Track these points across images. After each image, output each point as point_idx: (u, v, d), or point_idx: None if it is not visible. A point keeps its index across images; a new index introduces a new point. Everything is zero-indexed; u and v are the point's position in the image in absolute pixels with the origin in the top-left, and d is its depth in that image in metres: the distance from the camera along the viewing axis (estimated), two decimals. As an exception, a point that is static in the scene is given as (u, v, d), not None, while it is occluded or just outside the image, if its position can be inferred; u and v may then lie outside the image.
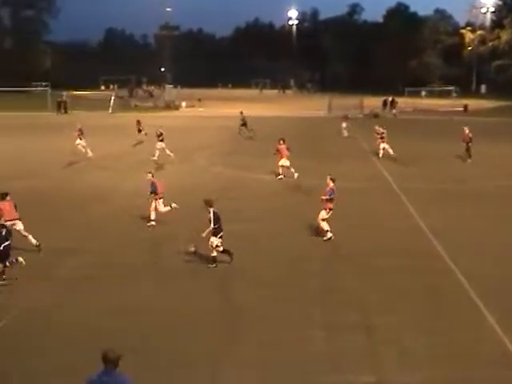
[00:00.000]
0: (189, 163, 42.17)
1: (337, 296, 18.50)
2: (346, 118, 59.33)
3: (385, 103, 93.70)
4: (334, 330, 16.12)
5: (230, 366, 14.28)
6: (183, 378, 13.80)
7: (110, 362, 9.81)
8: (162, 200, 25.65)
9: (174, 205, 25.47)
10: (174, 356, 14.61)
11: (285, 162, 35.80)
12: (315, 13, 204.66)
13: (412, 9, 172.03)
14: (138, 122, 50.45)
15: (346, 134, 57.08)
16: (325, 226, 23.94)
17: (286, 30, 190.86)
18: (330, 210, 23.88)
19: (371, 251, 22.82)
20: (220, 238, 20.47)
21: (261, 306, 17.59)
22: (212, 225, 20.21)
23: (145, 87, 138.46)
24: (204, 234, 20.48)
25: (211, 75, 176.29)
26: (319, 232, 24.24)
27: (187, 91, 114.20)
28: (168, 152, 41.41)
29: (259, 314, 17.08)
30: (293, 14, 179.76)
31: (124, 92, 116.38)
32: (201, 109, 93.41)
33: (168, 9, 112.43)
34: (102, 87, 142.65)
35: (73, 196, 31.56)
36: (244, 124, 57.05)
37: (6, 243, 18.85)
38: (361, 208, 29.57)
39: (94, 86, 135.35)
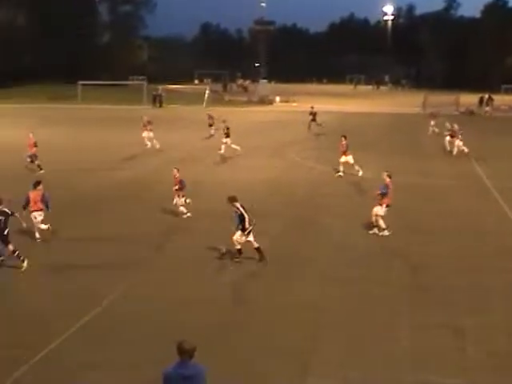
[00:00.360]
0: (281, 158, 42.40)
1: (424, 295, 18.25)
2: (434, 116, 58.22)
3: (481, 100, 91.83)
4: (421, 330, 15.87)
5: (316, 363, 14.22)
6: (263, 374, 13.79)
7: (185, 352, 9.68)
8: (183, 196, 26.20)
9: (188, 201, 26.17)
10: (251, 353, 14.66)
11: (345, 158, 35.62)
12: (411, 8, 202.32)
13: (511, 4, 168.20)
14: (210, 117, 50.84)
15: (436, 131, 56.01)
16: (377, 220, 23.92)
17: (381, 26, 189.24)
18: (387, 206, 23.77)
19: (460, 250, 22.54)
20: (249, 233, 20.39)
21: (345, 303, 17.52)
22: (246, 216, 20.19)
23: (239, 82, 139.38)
24: (247, 225, 20.33)
25: (305, 70, 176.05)
26: (377, 226, 24.02)
27: (281, 86, 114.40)
28: (232, 147, 41.98)
29: (343, 310, 17.03)
30: (388, 9, 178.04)
31: (218, 86, 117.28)
32: (294, 104, 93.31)
33: (263, 4, 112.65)
34: (196, 81, 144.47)
35: (164, 188, 31.98)
36: (314, 120, 56.77)
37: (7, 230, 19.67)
38: (451, 206, 29.18)
39: (189, 80, 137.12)
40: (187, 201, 26.10)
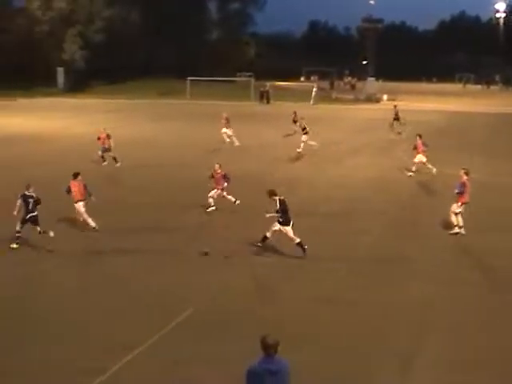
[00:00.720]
0: (388, 156, 42.31)
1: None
2: None
3: None
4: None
5: (419, 364, 14.13)
6: (365, 373, 13.85)
7: (270, 347, 9.47)
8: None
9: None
10: (355, 352, 14.70)
11: (421, 158, 35.24)
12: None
13: None
14: (295, 113, 50.93)
15: None
16: (454, 220, 23.61)
17: (492, 24, 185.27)
18: (463, 203, 23.47)
19: None
20: (292, 226, 20.56)
21: (451, 304, 17.43)
22: (276, 209, 20.41)
23: (346, 79, 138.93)
24: (267, 215, 20.76)
25: (414, 69, 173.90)
26: (461, 226, 23.70)
27: (389, 84, 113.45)
28: (311, 143, 41.85)
29: (449, 311, 16.98)
30: (500, 6, 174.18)
31: (324, 84, 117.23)
32: (402, 102, 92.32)
33: (371, 1, 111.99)
34: (302, 78, 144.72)
35: (266, 184, 32.22)
36: (397, 118, 56.18)
37: (33, 214, 20.96)
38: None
39: (296, 77, 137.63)
40: (230, 197, 26.60)
